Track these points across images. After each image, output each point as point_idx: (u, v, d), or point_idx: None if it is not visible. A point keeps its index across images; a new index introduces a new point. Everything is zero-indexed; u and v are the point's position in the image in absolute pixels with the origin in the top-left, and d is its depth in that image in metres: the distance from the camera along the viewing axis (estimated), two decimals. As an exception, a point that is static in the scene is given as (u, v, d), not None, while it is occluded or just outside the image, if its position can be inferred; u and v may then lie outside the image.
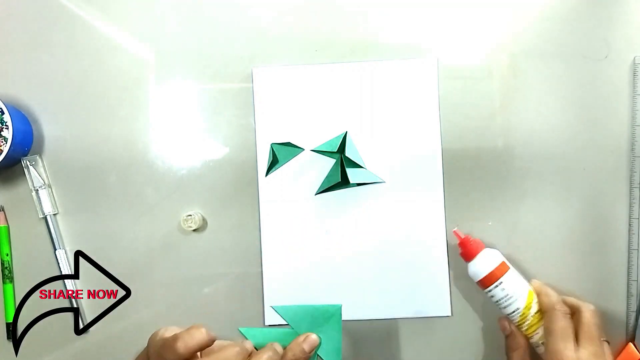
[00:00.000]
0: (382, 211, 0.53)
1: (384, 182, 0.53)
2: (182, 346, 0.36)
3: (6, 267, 0.53)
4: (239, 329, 0.44)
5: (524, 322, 0.48)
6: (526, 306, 0.48)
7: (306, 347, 0.44)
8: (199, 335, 0.37)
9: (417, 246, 0.54)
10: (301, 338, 0.45)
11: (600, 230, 0.54)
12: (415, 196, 0.53)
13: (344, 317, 0.52)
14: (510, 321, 0.50)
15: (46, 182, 0.53)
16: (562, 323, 0.47)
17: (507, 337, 0.50)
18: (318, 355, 0.45)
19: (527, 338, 0.49)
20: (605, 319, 0.54)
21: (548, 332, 0.47)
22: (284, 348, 0.44)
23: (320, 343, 0.45)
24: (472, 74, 0.54)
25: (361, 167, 0.53)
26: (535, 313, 0.49)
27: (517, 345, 0.49)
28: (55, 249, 0.53)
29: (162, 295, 0.54)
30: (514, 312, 0.49)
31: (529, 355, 0.49)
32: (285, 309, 0.47)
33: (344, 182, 0.51)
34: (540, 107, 0.54)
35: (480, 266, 0.49)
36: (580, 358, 0.45)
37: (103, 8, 0.54)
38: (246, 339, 0.43)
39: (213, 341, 0.38)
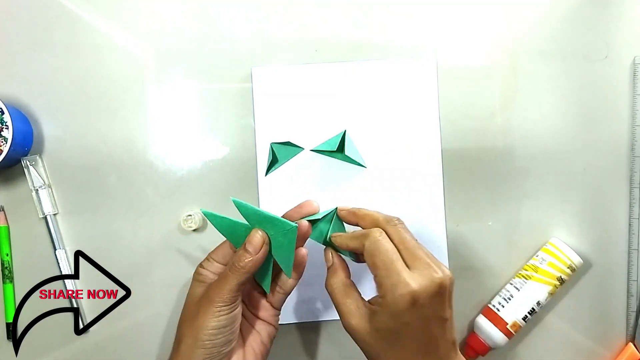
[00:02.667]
0: (382, 210, 0.53)
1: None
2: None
3: (6, 267, 0.53)
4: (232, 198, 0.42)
5: None
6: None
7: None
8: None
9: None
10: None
11: (600, 230, 0.54)
12: (415, 196, 0.53)
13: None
14: (334, 252, 0.44)
15: (46, 182, 0.53)
16: (385, 247, 0.40)
17: (329, 269, 0.44)
18: (273, 256, 0.44)
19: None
20: (605, 318, 0.54)
21: (374, 267, 0.40)
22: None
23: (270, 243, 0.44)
24: (472, 74, 0.54)
25: (361, 165, 0.53)
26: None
27: (335, 277, 0.43)
28: (55, 249, 0.53)
29: (162, 295, 0.54)
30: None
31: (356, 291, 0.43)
32: (245, 207, 0.44)
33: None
34: (540, 107, 0.54)
35: None
36: (419, 286, 0.38)
37: (103, 8, 0.54)
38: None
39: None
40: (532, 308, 0.51)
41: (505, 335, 0.51)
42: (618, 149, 0.54)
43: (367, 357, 0.41)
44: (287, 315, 0.54)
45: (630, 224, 0.53)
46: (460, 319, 0.54)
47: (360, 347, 0.41)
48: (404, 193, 0.53)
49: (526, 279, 0.52)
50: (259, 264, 0.42)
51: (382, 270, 0.39)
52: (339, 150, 0.52)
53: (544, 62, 0.54)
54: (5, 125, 0.50)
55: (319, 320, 0.54)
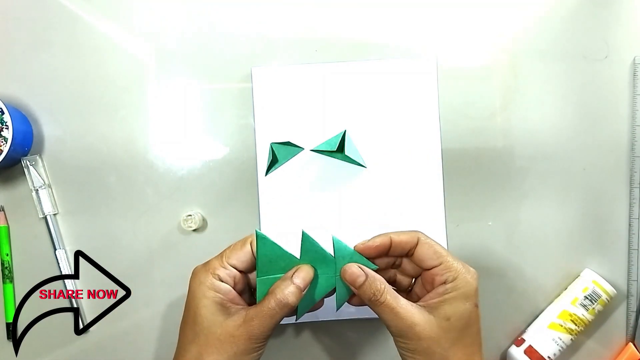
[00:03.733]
0: (382, 210, 0.53)
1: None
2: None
3: (6, 267, 0.53)
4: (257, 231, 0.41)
5: None
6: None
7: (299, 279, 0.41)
8: None
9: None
10: (290, 273, 0.41)
11: (600, 230, 0.54)
12: (415, 196, 0.53)
13: (344, 317, 0.52)
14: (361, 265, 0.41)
15: (46, 182, 0.53)
16: (431, 241, 0.42)
17: (364, 283, 0.40)
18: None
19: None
20: (605, 318, 0.54)
21: (442, 257, 0.41)
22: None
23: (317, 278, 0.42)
24: (472, 74, 0.54)
25: (361, 164, 0.53)
26: None
27: (379, 280, 0.40)
28: (55, 249, 0.53)
29: (162, 295, 0.54)
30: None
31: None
32: (311, 242, 0.42)
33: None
34: (540, 107, 0.54)
35: None
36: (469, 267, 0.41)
37: (103, 8, 0.54)
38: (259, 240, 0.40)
39: None
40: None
41: None
42: (618, 149, 0.54)
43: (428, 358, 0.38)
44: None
45: (630, 224, 0.53)
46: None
47: (420, 349, 0.38)
48: (404, 193, 0.53)
49: (573, 334, 0.52)
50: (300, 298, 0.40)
51: (449, 256, 0.40)
52: (339, 150, 0.52)
53: (544, 62, 0.54)
54: (5, 125, 0.50)
55: (319, 320, 0.54)
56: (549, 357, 0.51)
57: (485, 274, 0.54)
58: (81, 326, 0.53)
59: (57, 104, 0.54)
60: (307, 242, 0.41)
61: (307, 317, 0.54)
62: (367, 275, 0.40)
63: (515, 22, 0.54)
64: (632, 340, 0.54)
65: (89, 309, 0.54)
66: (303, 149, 0.53)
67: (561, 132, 0.54)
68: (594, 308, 0.51)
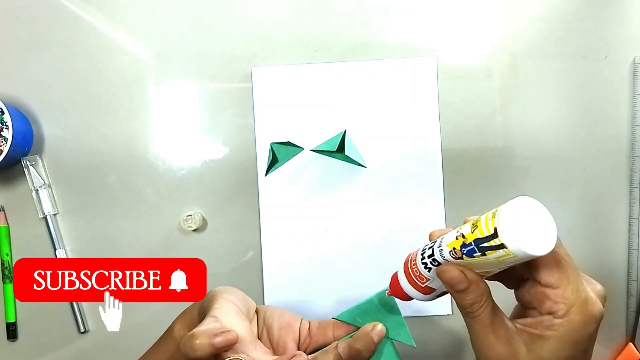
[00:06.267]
0: (382, 210, 0.53)
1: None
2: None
3: (6, 267, 0.53)
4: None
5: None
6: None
7: (375, 337, 0.39)
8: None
9: (417, 245, 0.53)
10: (369, 327, 0.39)
11: (600, 230, 0.54)
12: (415, 196, 0.53)
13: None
14: (467, 268, 0.33)
15: (46, 182, 0.53)
16: (574, 266, 0.33)
17: (464, 291, 0.33)
18: (391, 339, 0.42)
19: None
20: (605, 318, 0.54)
21: (578, 292, 0.32)
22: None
23: (387, 331, 0.42)
24: (472, 73, 0.54)
25: (361, 164, 0.53)
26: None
27: (482, 291, 0.33)
28: (55, 249, 0.53)
29: (162, 295, 0.54)
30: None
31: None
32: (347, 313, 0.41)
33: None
34: (540, 107, 0.54)
35: None
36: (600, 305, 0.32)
37: (103, 8, 0.54)
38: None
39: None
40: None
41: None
42: (618, 149, 0.54)
43: None
44: (287, 315, 0.54)
45: (630, 224, 0.53)
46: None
47: None
48: (404, 193, 0.53)
49: None
50: None
51: (571, 284, 0.31)
52: (339, 150, 0.52)
53: (544, 62, 0.54)
54: (5, 125, 0.50)
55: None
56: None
57: (485, 274, 0.54)
58: (82, 326, 0.53)
59: (57, 104, 0.54)
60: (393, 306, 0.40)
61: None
62: (470, 283, 0.33)
63: (515, 22, 0.54)
64: (632, 340, 0.54)
65: (89, 308, 0.54)
66: (303, 149, 0.53)
67: (561, 132, 0.54)
68: None
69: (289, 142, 0.53)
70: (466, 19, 0.54)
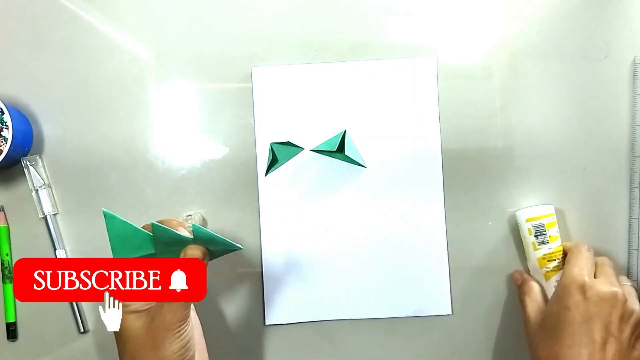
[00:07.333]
0: (382, 210, 0.53)
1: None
2: None
3: (6, 267, 0.53)
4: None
5: (550, 262, 0.51)
6: (557, 248, 0.51)
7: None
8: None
9: (417, 245, 0.54)
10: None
11: (600, 230, 0.54)
12: (416, 196, 0.53)
13: (343, 317, 0.52)
14: (522, 272, 0.52)
15: (46, 182, 0.53)
16: (585, 255, 0.49)
17: (520, 286, 0.51)
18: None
19: (540, 285, 0.51)
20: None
21: (568, 263, 0.49)
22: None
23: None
24: (472, 73, 0.54)
25: (361, 164, 0.53)
26: (561, 259, 0.51)
27: (530, 288, 0.50)
28: (55, 249, 0.53)
29: (162, 295, 0.54)
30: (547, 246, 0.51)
31: (542, 296, 0.50)
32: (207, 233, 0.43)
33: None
34: (540, 107, 0.54)
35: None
36: (593, 283, 0.45)
37: (103, 8, 0.54)
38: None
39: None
40: None
41: None
42: (618, 149, 0.54)
43: (530, 352, 0.48)
44: (288, 315, 0.54)
45: (630, 224, 0.53)
46: (461, 317, 0.54)
47: (527, 342, 0.49)
48: (404, 193, 0.53)
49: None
50: None
51: (570, 264, 0.47)
52: (339, 150, 0.52)
53: (544, 62, 0.54)
54: (5, 125, 0.50)
55: (319, 320, 0.54)
56: None
57: (485, 274, 0.54)
58: (82, 326, 0.53)
59: (57, 104, 0.54)
60: (200, 232, 0.42)
61: (307, 317, 0.54)
62: (524, 281, 0.51)
63: (515, 22, 0.54)
64: (632, 340, 0.54)
65: (89, 308, 0.54)
66: (303, 149, 0.53)
67: (561, 132, 0.54)
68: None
69: (289, 142, 0.53)
70: (466, 19, 0.54)
